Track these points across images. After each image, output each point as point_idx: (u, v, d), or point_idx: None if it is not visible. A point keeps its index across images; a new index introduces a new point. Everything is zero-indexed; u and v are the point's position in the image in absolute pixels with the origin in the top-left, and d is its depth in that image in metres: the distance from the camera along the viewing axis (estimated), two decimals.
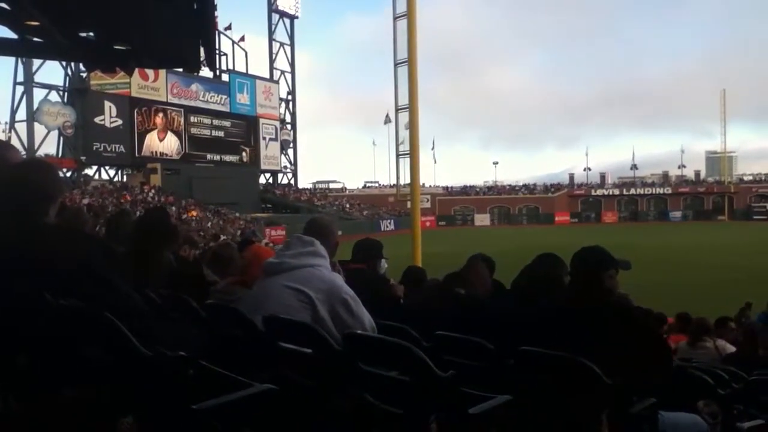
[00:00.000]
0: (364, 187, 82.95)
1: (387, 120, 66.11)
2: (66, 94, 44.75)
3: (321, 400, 2.61)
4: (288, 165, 66.58)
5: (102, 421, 2.28)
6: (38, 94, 43.11)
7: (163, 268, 4.16)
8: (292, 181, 67.63)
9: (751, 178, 79.54)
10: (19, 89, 42.76)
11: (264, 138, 59.82)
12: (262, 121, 59.47)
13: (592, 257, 3.36)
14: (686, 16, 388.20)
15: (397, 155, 20.25)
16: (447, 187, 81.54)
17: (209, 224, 40.63)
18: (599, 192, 77.39)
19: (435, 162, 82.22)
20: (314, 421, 2.57)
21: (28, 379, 2.34)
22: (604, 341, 3.03)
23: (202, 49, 6.02)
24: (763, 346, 6.86)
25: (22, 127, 42.80)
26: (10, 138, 38.28)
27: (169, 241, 4.51)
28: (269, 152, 60.84)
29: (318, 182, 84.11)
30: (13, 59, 39.71)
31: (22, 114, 42.92)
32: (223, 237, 29.94)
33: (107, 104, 45.65)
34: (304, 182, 74.67)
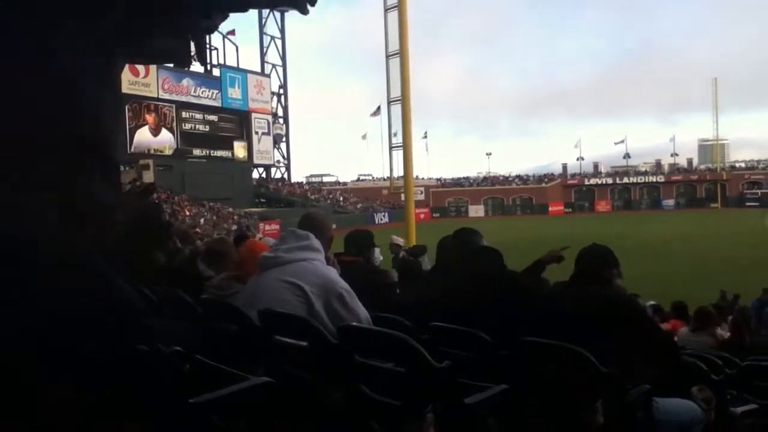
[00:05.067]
0: (358, 180, 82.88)
1: (376, 112, 65.93)
2: None
3: (317, 393, 2.62)
4: (281, 159, 66.46)
5: (101, 417, 2.28)
6: None
7: (152, 266, 4.16)
8: (286, 176, 67.52)
9: (743, 165, 79.83)
10: None
11: (256, 132, 59.59)
12: (254, 115, 59.24)
13: (599, 255, 3.55)
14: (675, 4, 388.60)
15: (390, 147, 20.25)
16: (440, 179, 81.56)
17: (202, 220, 40.54)
18: (593, 181, 77.49)
19: (427, 150, 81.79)
20: (311, 414, 2.58)
21: (25, 378, 2.34)
22: (602, 332, 3.05)
23: (192, 44, 6.00)
24: (755, 332, 6.92)
25: None
26: None
27: (159, 240, 4.49)
28: (262, 147, 60.63)
29: (311, 176, 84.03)
30: None
31: None
32: (216, 233, 29.97)
33: None
34: (298, 176, 74.68)
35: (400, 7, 16.96)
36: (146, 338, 2.19)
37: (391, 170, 21.10)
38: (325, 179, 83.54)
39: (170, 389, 2.04)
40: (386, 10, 18.71)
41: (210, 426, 2.00)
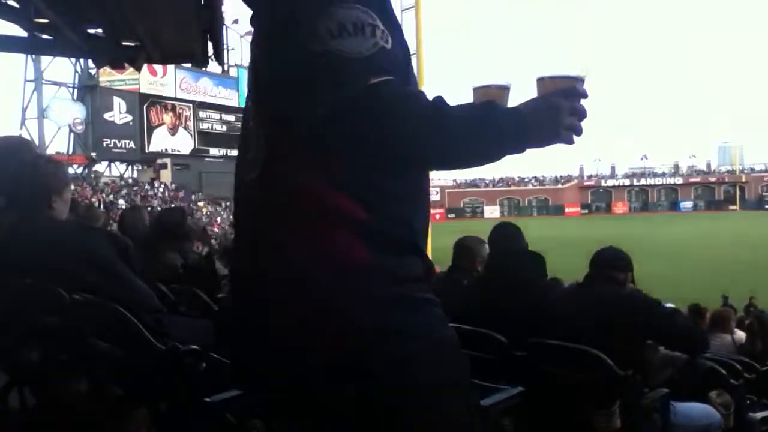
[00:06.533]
0: None
1: None
2: (76, 90, 44.91)
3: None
4: None
5: (116, 414, 2.30)
6: (48, 91, 43.33)
7: (167, 267, 4.19)
8: None
9: (762, 167, 78.90)
10: (29, 87, 42.96)
11: None
12: None
13: (614, 257, 3.49)
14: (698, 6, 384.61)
15: None
16: (456, 180, 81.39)
17: (219, 219, 40.78)
18: (609, 183, 76.96)
19: None
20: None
21: (43, 373, 2.36)
22: (614, 331, 3.03)
23: (210, 44, 6.03)
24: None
25: (33, 125, 43.05)
26: (21, 135, 38.42)
27: (176, 241, 4.53)
28: None
29: None
30: (23, 57, 39.89)
31: (32, 111, 43.14)
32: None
33: (116, 100, 45.77)
34: None
35: (416, 8, 16.99)
36: (162, 335, 2.20)
37: None
38: None
39: (186, 387, 2.05)
40: (402, 10, 18.90)
41: (225, 424, 2.01)
